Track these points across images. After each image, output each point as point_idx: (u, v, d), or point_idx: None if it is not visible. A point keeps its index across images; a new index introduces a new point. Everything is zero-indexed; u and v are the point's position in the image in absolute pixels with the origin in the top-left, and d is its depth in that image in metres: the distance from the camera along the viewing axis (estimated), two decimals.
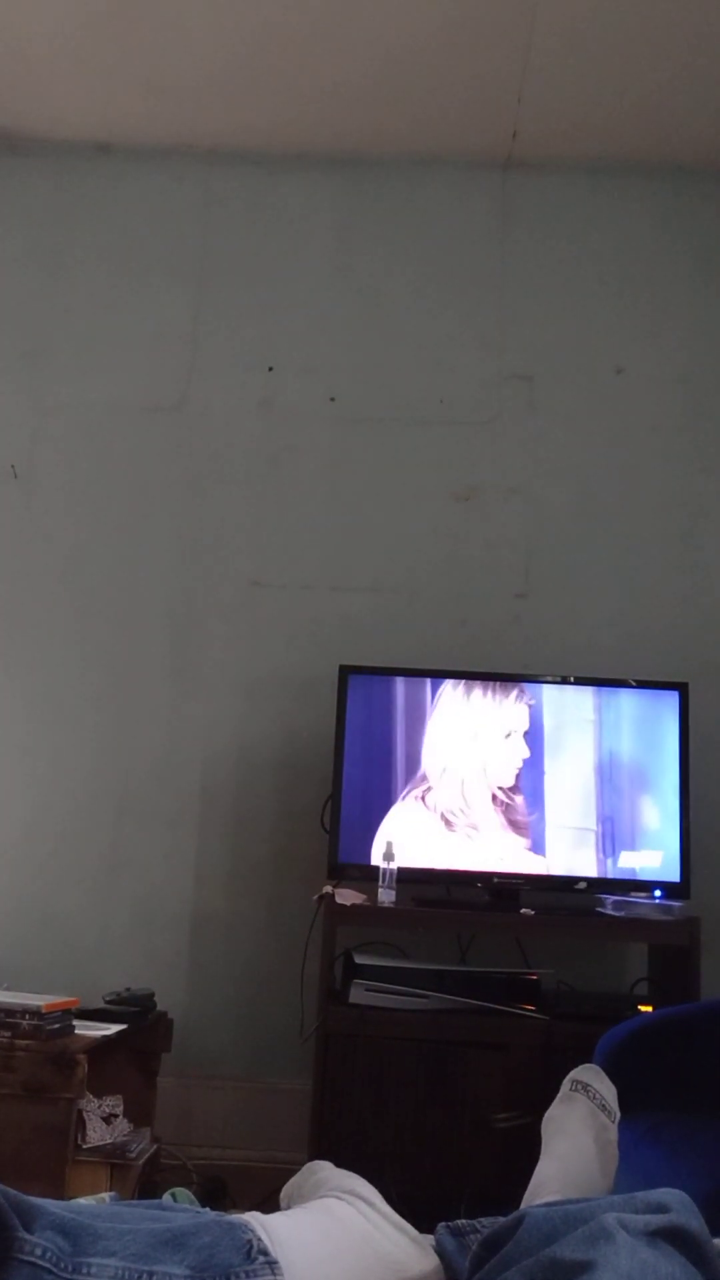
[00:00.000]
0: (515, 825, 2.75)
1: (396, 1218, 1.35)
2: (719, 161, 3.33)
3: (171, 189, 3.42)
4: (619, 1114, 1.83)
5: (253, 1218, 1.18)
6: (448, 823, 2.74)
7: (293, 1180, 1.69)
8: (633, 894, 2.65)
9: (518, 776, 2.76)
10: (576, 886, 2.72)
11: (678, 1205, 1.08)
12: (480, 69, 3.00)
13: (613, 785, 2.76)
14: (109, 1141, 2.30)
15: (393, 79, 3.05)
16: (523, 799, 2.75)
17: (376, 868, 2.59)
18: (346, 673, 2.82)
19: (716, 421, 3.27)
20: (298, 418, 3.28)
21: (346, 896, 2.57)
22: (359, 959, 2.57)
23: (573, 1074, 1.89)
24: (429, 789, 2.76)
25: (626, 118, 3.17)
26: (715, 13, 2.76)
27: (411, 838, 2.72)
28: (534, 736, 2.78)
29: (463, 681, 2.82)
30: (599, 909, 2.62)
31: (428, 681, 2.82)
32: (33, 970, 2.85)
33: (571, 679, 2.84)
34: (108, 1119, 2.35)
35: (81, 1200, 1.44)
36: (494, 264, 3.36)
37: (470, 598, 3.17)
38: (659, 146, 3.29)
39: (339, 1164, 1.64)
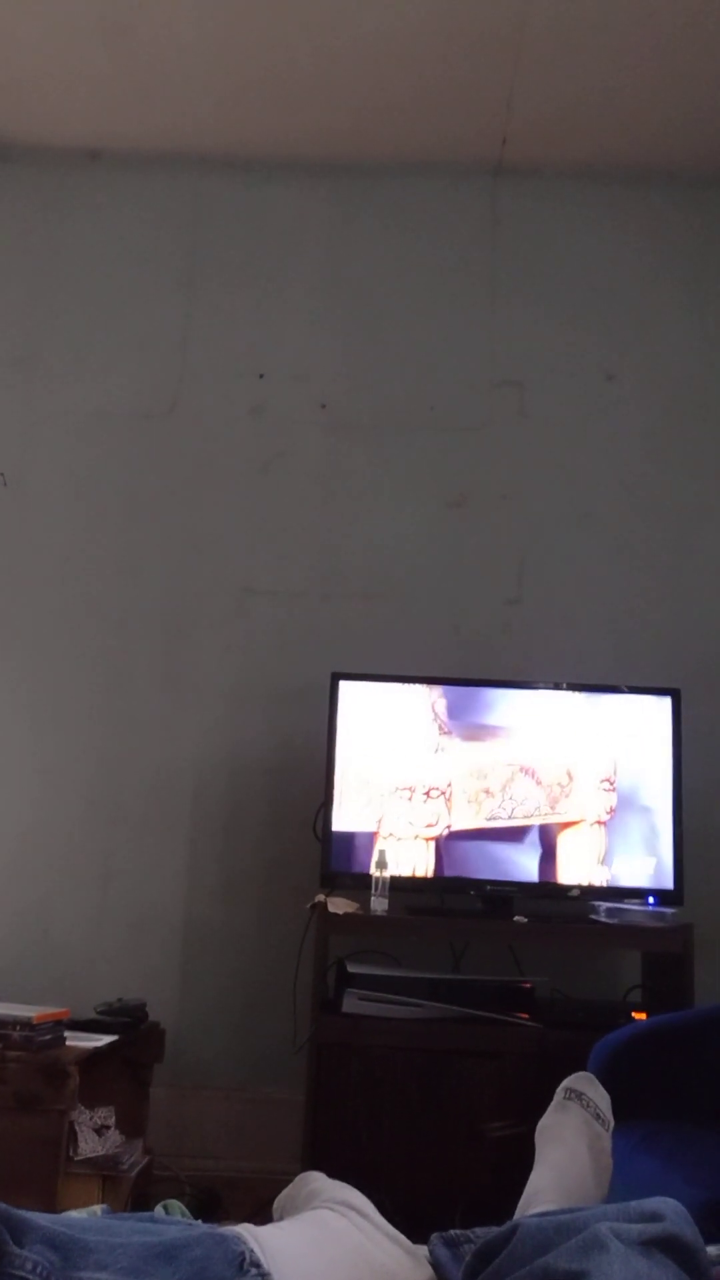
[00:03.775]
0: (508, 832, 2.74)
1: (390, 1228, 1.35)
2: (708, 168, 3.34)
3: (162, 196, 3.42)
4: (613, 1122, 1.82)
5: (245, 1229, 1.18)
6: (441, 828, 2.74)
7: (285, 1191, 1.68)
8: (626, 901, 2.65)
9: (513, 783, 2.75)
10: (570, 894, 2.71)
11: (672, 1214, 1.08)
12: (470, 75, 3.00)
13: (605, 792, 2.75)
14: (101, 1153, 2.29)
15: (383, 86, 3.06)
16: (517, 805, 2.75)
17: (369, 876, 2.59)
18: (338, 679, 2.82)
19: (707, 427, 3.28)
20: (289, 424, 3.28)
21: (339, 905, 2.56)
22: (352, 968, 2.56)
23: (566, 1082, 1.88)
24: (423, 796, 2.75)
25: (616, 124, 3.18)
26: (705, 20, 2.77)
27: (404, 845, 2.71)
28: (530, 743, 2.78)
29: (454, 688, 2.82)
30: (592, 916, 2.61)
31: (420, 688, 2.82)
32: (23, 981, 2.83)
33: (564, 685, 2.84)
34: (99, 1130, 2.34)
35: (73, 1213, 1.43)
36: (484, 270, 3.37)
37: (462, 604, 3.17)
38: (649, 153, 3.30)
39: (332, 1174, 1.63)
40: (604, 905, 2.61)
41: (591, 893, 2.69)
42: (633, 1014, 2.53)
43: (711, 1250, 1.10)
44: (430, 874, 2.71)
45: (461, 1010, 2.49)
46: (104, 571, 3.21)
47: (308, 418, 3.28)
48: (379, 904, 2.55)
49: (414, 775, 2.76)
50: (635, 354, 3.32)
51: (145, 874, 3.03)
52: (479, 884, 2.72)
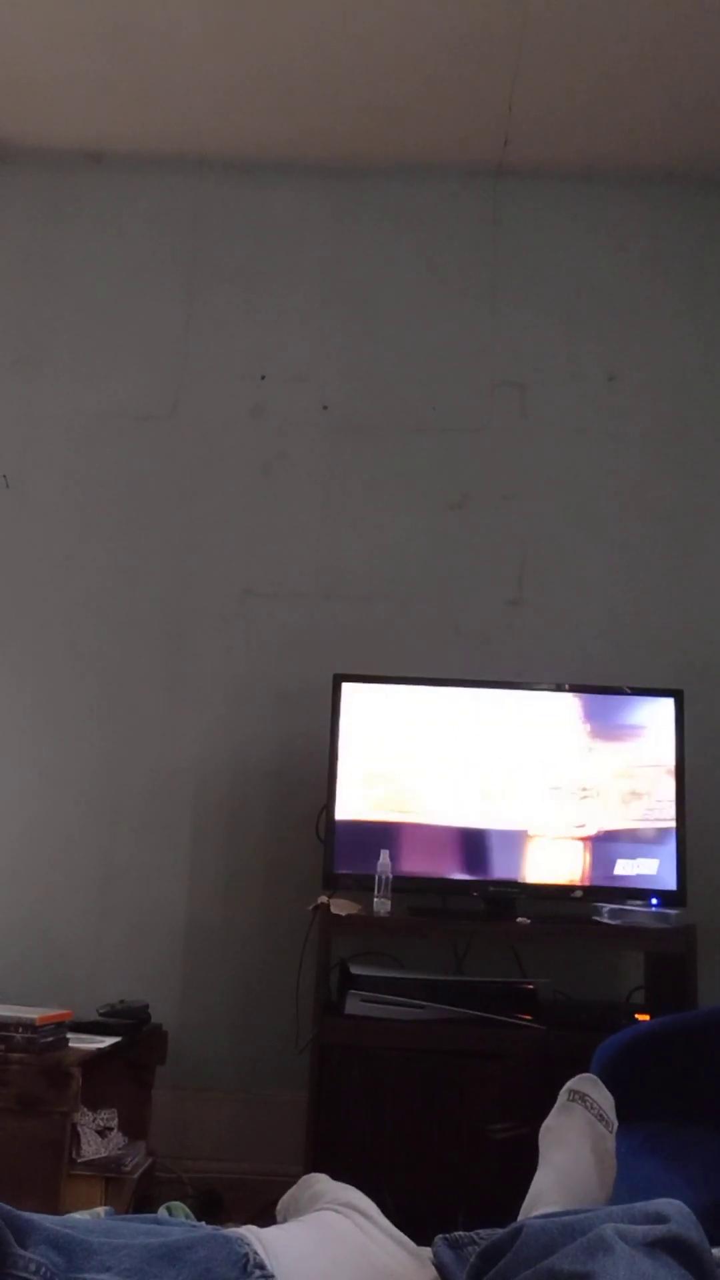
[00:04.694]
0: (511, 834, 2.73)
1: (393, 1230, 1.34)
2: (709, 169, 3.34)
3: (163, 198, 3.42)
4: (617, 1123, 1.81)
5: (249, 1231, 1.18)
6: (442, 829, 2.73)
7: (289, 1193, 1.68)
8: (629, 902, 2.64)
9: (514, 784, 2.75)
10: (572, 895, 2.71)
11: (676, 1215, 1.07)
12: (472, 77, 3.00)
13: (608, 793, 2.75)
14: (104, 1155, 2.29)
15: (385, 87, 3.05)
16: (519, 806, 2.74)
17: (372, 877, 2.58)
18: (340, 681, 2.82)
19: (708, 429, 3.28)
20: (290, 426, 3.28)
21: (342, 906, 2.56)
22: (355, 969, 2.56)
23: (570, 1083, 1.87)
24: (423, 797, 2.75)
25: (617, 125, 3.17)
26: (705, 20, 2.77)
27: (406, 846, 2.70)
28: (528, 743, 2.77)
29: (458, 689, 2.82)
30: (595, 917, 2.61)
31: (421, 689, 2.82)
32: (26, 983, 2.83)
33: (566, 686, 2.84)
34: (102, 1132, 2.34)
35: (76, 1215, 1.42)
36: (486, 272, 3.37)
37: (464, 605, 3.17)
38: (649, 154, 3.29)
39: (335, 1176, 1.63)
40: (607, 906, 2.60)
41: (594, 894, 2.69)
42: (636, 1015, 2.52)
43: (717, 1252, 1.09)
44: (433, 874, 2.70)
45: (464, 1012, 2.48)
46: (105, 573, 3.20)
47: (309, 419, 3.28)
48: (381, 905, 2.55)
49: (416, 774, 2.75)
50: (636, 355, 3.31)
51: (147, 875, 3.03)
52: (482, 885, 2.71)
